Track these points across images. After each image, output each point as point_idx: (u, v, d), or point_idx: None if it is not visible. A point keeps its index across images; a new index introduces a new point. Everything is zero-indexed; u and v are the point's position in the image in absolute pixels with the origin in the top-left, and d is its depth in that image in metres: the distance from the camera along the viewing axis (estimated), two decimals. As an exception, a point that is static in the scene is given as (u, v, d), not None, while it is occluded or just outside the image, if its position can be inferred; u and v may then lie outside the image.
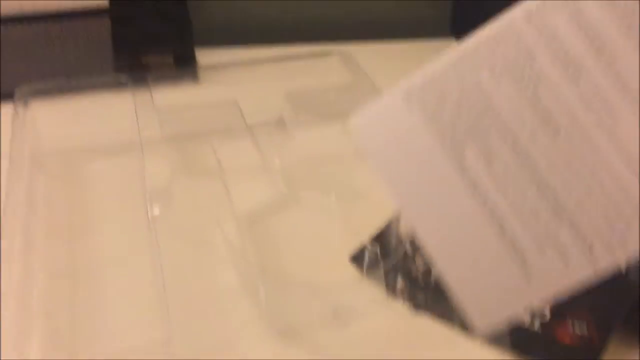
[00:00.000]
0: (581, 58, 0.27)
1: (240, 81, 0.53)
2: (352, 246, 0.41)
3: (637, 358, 0.34)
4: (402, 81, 0.30)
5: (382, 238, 0.41)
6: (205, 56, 0.59)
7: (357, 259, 0.40)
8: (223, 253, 0.39)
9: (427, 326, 0.36)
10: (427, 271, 0.38)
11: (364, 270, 0.38)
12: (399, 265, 0.38)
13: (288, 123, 0.48)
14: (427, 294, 0.37)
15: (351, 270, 0.39)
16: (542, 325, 0.34)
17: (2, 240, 0.33)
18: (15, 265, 0.35)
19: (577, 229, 0.27)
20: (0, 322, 0.30)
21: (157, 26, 0.57)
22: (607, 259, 0.27)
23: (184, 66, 0.58)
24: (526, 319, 0.34)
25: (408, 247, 0.40)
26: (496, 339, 0.34)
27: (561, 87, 0.28)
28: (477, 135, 0.29)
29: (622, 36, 0.26)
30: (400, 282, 0.37)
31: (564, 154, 0.28)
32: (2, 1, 0.52)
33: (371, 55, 0.54)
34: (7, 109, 0.51)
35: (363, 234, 0.42)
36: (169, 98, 0.47)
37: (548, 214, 0.28)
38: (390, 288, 0.37)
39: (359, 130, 0.31)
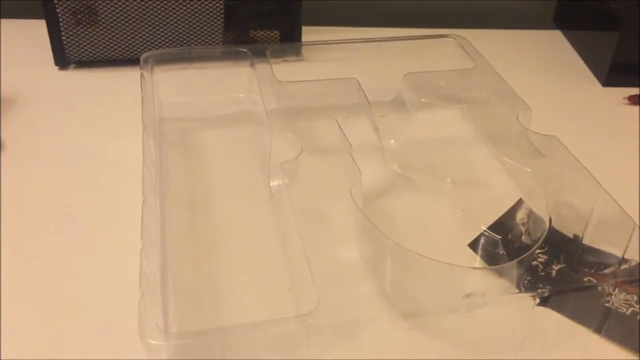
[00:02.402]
0: None
1: (349, 58, 0.53)
2: (466, 232, 0.41)
3: None
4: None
5: (501, 227, 0.40)
6: (310, 34, 0.60)
7: (475, 245, 0.39)
8: (346, 228, 0.39)
9: (550, 319, 0.35)
10: (548, 262, 0.38)
11: (482, 258, 0.38)
12: (518, 256, 0.38)
13: (407, 103, 0.47)
14: (549, 285, 0.36)
15: (469, 255, 0.39)
16: None
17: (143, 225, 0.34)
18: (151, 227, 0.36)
19: None
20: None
21: (267, 3, 0.57)
22: None
23: (289, 42, 0.59)
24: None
25: (527, 237, 0.39)
26: (626, 341, 0.34)
27: None
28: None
29: None
30: (519, 273, 0.37)
31: None
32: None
33: (483, 41, 0.53)
34: (131, 72, 0.53)
35: (479, 222, 0.41)
36: (279, 72, 0.47)
37: None
38: (510, 278, 0.37)
39: None
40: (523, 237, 0.39)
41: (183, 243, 0.38)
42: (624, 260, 0.35)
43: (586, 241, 0.38)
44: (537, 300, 0.31)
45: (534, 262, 0.38)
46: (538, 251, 0.39)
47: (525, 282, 0.37)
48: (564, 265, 0.38)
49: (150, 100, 0.44)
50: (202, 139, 0.48)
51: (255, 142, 0.47)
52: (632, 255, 0.35)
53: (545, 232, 0.35)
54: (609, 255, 0.37)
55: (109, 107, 0.51)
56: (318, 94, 0.47)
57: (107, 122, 0.49)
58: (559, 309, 0.35)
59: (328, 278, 0.33)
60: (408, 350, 0.32)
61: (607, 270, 0.36)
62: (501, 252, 0.39)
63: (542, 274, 0.37)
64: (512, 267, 0.34)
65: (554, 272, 0.38)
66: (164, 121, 0.49)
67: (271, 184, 0.41)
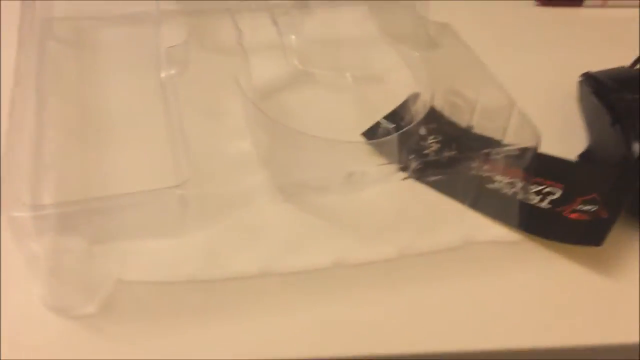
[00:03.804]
0: None
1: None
2: (366, 125, 0.41)
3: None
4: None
5: (395, 116, 0.40)
6: None
7: (370, 134, 0.39)
8: (236, 123, 0.39)
9: (438, 200, 0.36)
10: (440, 150, 0.38)
11: (376, 145, 0.38)
12: (411, 145, 0.38)
13: (310, 2, 0.46)
14: (440, 172, 0.37)
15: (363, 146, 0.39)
16: (552, 202, 0.34)
17: (13, 102, 0.33)
18: (27, 122, 0.35)
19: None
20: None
21: None
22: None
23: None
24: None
25: (421, 126, 0.39)
26: (504, 216, 0.35)
27: None
28: None
29: None
30: (413, 161, 0.37)
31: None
32: None
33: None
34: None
35: (377, 114, 0.41)
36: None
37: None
38: (403, 165, 0.37)
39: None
40: (428, 138, 0.39)
41: (65, 134, 0.37)
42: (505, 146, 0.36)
43: (477, 130, 0.39)
44: (415, 174, 0.31)
45: (426, 151, 0.38)
46: (431, 140, 0.39)
47: (415, 166, 0.37)
48: (455, 152, 0.38)
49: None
50: (95, 38, 0.46)
51: (150, 40, 0.45)
52: (512, 141, 0.35)
53: (427, 110, 0.35)
54: (495, 142, 0.37)
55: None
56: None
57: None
58: (444, 191, 0.36)
59: (210, 163, 0.32)
60: (286, 225, 0.33)
61: (495, 156, 0.37)
62: (394, 139, 0.39)
63: (433, 159, 0.38)
64: (392, 143, 0.34)
65: (445, 159, 0.38)
66: (54, 21, 0.46)
67: (161, 75, 0.40)
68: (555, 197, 0.35)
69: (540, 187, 0.35)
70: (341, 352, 0.30)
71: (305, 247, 0.33)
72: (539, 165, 0.34)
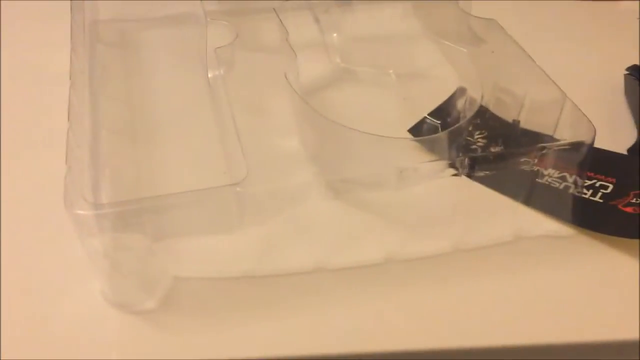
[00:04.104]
0: None
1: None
2: (408, 120, 0.41)
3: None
4: None
5: (441, 112, 0.40)
6: None
7: (415, 131, 0.40)
8: (285, 120, 0.39)
9: (489, 196, 0.36)
10: (487, 145, 0.38)
11: (425, 142, 0.38)
12: (460, 141, 0.38)
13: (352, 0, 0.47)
14: (489, 168, 0.37)
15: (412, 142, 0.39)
16: (604, 196, 0.34)
17: (71, 104, 0.34)
18: (80, 125, 0.36)
19: None
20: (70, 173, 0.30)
21: None
22: None
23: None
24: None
25: (468, 122, 0.39)
26: (557, 211, 0.35)
27: None
28: None
29: None
30: (462, 158, 0.37)
31: None
32: None
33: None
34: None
35: (421, 111, 0.41)
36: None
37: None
38: (453, 162, 0.37)
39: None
40: (476, 134, 0.39)
41: (117, 134, 0.38)
42: (556, 140, 0.36)
43: (525, 125, 0.39)
44: (465, 170, 0.31)
45: (474, 146, 0.38)
46: (477, 136, 0.39)
47: (464, 162, 0.37)
48: (502, 147, 0.38)
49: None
50: (141, 40, 0.47)
51: (194, 40, 0.46)
52: (564, 136, 0.35)
53: (477, 108, 0.35)
54: (545, 136, 0.37)
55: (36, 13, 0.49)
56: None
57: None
58: (494, 187, 0.36)
59: (263, 161, 0.33)
60: (338, 222, 0.33)
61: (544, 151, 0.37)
62: (441, 135, 0.39)
63: (481, 155, 0.38)
64: (443, 140, 0.34)
65: (493, 155, 0.38)
66: (101, 23, 0.47)
67: (209, 75, 0.40)
68: (607, 191, 0.35)
69: (591, 182, 0.35)
70: (395, 346, 0.30)
71: (357, 243, 0.34)
72: (591, 160, 0.34)
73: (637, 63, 0.44)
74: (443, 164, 0.33)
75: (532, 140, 0.37)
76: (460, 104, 0.40)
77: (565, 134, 0.34)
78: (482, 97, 0.39)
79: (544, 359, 0.31)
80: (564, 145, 0.33)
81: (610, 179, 0.35)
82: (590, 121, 0.33)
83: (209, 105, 0.40)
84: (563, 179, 0.35)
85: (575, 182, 0.34)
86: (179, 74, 0.43)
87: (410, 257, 0.33)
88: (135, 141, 0.38)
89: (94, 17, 0.47)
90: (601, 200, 0.34)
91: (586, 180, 0.35)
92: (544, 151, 0.32)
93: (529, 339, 0.31)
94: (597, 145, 0.36)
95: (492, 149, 0.38)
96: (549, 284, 0.32)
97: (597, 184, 0.35)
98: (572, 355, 0.31)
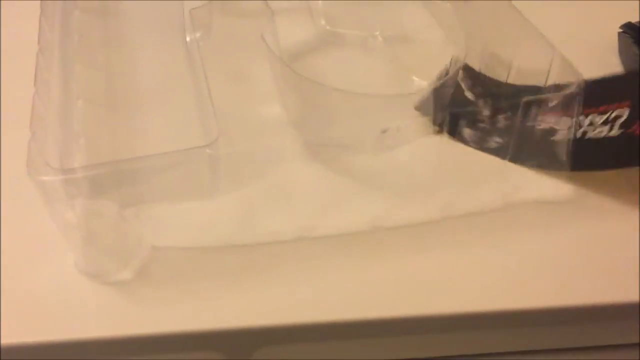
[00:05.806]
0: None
1: None
2: (397, 85, 0.39)
3: None
4: None
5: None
6: None
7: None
8: (264, 85, 0.38)
9: (477, 157, 0.35)
10: (475, 104, 0.37)
11: (410, 99, 0.37)
12: (444, 99, 0.37)
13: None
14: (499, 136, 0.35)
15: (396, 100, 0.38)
16: (622, 125, 0.33)
17: (38, 68, 0.32)
18: (54, 91, 0.35)
19: None
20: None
21: None
22: None
23: None
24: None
25: (469, 93, 0.38)
26: (555, 163, 0.33)
27: None
28: None
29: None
30: (466, 130, 0.36)
31: None
32: None
33: None
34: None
35: (407, 71, 0.40)
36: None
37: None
38: (454, 133, 0.35)
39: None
40: (465, 93, 0.38)
41: (94, 103, 0.36)
42: (556, 87, 0.34)
43: (513, 80, 0.37)
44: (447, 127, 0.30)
45: (479, 117, 0.37)
46: (467, 94, 0.37)
47: (470, 136, 0.35)
48: (509, 113, 0.37)
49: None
50: (120, 6, 0.45)
51: (174, 7, 0.44)
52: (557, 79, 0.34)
53: (462, 65, 0.34)
54: (540, 88, 0.35)
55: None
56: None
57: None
58: (483, 147, 0.35)
59: (239, 125, 0.32)
60: (321, 188, 0.32)
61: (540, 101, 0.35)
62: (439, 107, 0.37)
63: (488, 127, 0.36)
64: (427, 97, 0.32)
65: (501, 122, 0.36)
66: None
67: (187, 39, 0.39)
68: (623, 118, 0.33)
69: (605, 116, 0.33)
70: (377, 313, 0.29)
71: (341, 210, 0.32)
72: (600, 93, 0.33)
73: (632, 21, 0.42)
74: (427, 122, 0.32)
75: (527, 93, 0.35)
76: (447, 64, 0.39)
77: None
78: (469, 54, 0.37)
79: (540, 323, 0.30)
80: (553, 96, 0.31)
81: (624, 104, 0.33)
82: (576, 68, 0.32)
83: (187, 71, 0.38)
84: (560, 126, 0.33)
85: (573, 126, 0.32)
86: (157, 40, 0.42)
87: (397, 224, 0.32)
88: (113, 110, 0.37)
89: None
90: (620, 131, 0.33)
91: (601, 116, 0.33)
92: (538, 102, 0.31)
93: (518, 303, 0.30)
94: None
95: (481, 106, 0.37)
96: (542, 249, 0.31)
97: (612, 115, 0.33)
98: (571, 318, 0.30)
